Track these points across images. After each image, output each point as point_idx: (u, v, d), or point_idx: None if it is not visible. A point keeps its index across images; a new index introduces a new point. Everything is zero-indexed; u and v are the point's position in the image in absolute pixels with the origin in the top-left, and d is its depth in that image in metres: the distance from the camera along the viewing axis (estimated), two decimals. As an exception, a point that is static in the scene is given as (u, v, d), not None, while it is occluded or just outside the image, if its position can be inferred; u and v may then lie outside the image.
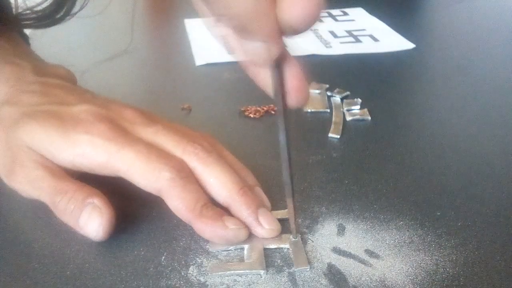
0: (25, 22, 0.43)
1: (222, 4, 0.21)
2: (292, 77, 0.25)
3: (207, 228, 0.29)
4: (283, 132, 0.27)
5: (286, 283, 0.27)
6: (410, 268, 0.28)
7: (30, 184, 0.31)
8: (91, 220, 0.29)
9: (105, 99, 0.35)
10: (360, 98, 0.46)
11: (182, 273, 0.28)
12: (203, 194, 0.30)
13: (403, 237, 0.30)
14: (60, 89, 0.35)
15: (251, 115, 0.44)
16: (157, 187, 0.30)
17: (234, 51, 0.26)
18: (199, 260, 0.29)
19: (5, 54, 0.38)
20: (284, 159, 0.27)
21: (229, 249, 0.29)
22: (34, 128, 0.31)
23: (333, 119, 0.44)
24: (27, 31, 0.45)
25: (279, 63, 0.25)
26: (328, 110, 0.45)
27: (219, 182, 0.31)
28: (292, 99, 0.26)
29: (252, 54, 0.23)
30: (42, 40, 0.63)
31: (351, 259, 0.29)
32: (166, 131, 0.32)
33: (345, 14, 0.73)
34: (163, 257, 0.29)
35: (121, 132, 0.31)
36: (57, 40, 0.65)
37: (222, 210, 0.30)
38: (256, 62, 0.24)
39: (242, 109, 0.45)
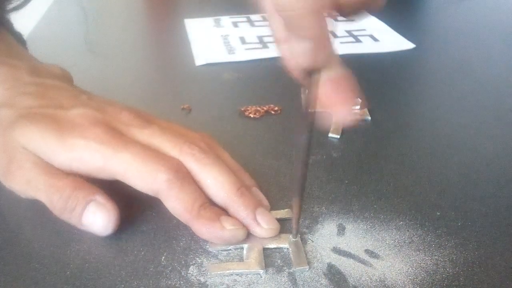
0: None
1: None
2: (334, 89, 0.24)
3: (204, 229, 0.29)
4: (305, 133, 0.26)
5: (286, 283, 0.27)
6: (410, 268, 0.28)
7: (27, 184, 0.31)
8: (98, 217, 0.30)
9: (101, 100, 0.35)
10: (360, 98, 0.46)
11: (182, 273, 0.28)
12: (200, 195, 0.30)
13: (403, 237, 0.30)
14: (56, 91, 0.35)
15: (251, 115, 0.44)
16: (154, 189, 0.30)
17: (280, 47, 0.25)
18: (199, 260, 0.29)
19: (0, 55, 0.38)
20: (300, 160, 0.27)
21: (228, 248, 0.29)
22: (30, 130, 0.31)
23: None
24: (24, 33, 0.45)
25: (321, 73, 0.24)
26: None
27: (216, 183, 0.31)
28: (333, 113, 0.24)
29: (297, 54, 0.23)
30: (40, 41, 0.63)
31: (351, 259, 0.29)
32: (162, 132, 0.32)
33: (345, 14, 0.73)
34: (163, 257, 0.29)
35: (117, 135, 0.31)
36: (56, 40, 0.65)
37: (220, 210, 0.30)
38: (299, 65, 0.24)
39: (242, 109, 0.45)
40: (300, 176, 0.28)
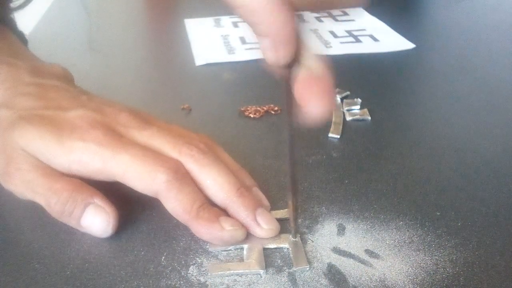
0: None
1: None
2: (306, 82, 0.23)
3: (203, 229, 0.29)
4: (289, 134, 0.26)
5: (286, 283, 0.27)
6: (410, 268, 0.28)
7: (25, 186, 0.31)
8: (97, 220, 0.30)
9: (100, 101, 0.35)
10: (360, 98, 0.46)
11: (182, 273, 0.28)
12: (199, 195, 0.30)
13: (403, 237, 0.30)
14: (56, 92, 0.35)
15: (251, 115, 0.44)
16: (153, 190, 0.30)
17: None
18: (199, 260, 0.29)
19: (1, 54, 0.38)
20: (288, 161, 0.27)
21: (228, 249, 0.29)
22: (29, 132, 0.31)
23: (333, 119, 0.44)
24: (25, 32, 0.45)
25: (293, 66, 0.24)
26: (328, 110, 0.45)
27: (215, 183, 0.31)
28: (307, 108, 0.23)
29: (263, 52, 0.23)
30: (41, 40, 0.63)
31: (351, 259, 0.29)
32: (161, 134, 0.32)
33: (345, 14, 0.73)
34: (163, 257, 0.29)
35: (116, 137, 0.31)
36: (57, 40, 0.65)
37: (220, 210, 0.30)
38: (267, 61, 0.23)
39: (242, 109, 0.45)
40: (290, 176, 0.28)
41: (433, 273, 0.27)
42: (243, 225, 0.30)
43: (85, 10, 0.70)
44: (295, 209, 0.29)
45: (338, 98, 0.47)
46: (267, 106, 0.45)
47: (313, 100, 0.24)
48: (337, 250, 0.29)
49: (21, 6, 0.44)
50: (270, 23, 0.22)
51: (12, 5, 0.43)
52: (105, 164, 0.30)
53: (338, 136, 0.41)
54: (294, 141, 0.26)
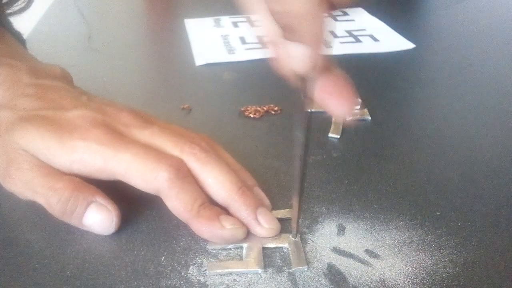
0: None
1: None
2: (331, 90, 0.25)
3: (204, 228, 0.29)
4: (301, 132, 0.26)
5: (286, 283, 0.27)
6: (410, 268, 0.28)
7: (26, 186, 0.31)
8: (100, 218, 0.30)
9: (100, 101, 0.35)
10: (360, 98, 0.46)
11: (182, 273, 0.28)
12: (201, 194, 0.30)
13: (403, 237, 0.30)
14: (55, 92, 0.35)
15: (251, 115, 0.44)
16: (155, 188, 0.30)
17: (274, 51, 0.25)
18: (199, 260, 0.29)
19: (0, 55, 0.38)
20: (297, 158, 0.27)
21: (228, 247, 0.29)
22: (30, 132, 0.31)
23: (333, 119, 0.44)
24: (24, 33, 0.45)
25: (315, 75, 0.24)
26: (328, 110, 0.45)
27: (217, 182, 0.31)
28: (332, 110, 0.25)
29: (292, 58, 0.23)
30: (41, 41, 0.63)
31: (351, 259, 0.29)
32: (163, 133, 0.32)
33: (345, 14, 0.73)
34: (163, 257, 0.29)
35: (117, 136, 0.31)
36: (56, 40, 0.65)
37: (220, 209, 0.30)
38: (294, 68, 0.24)
39: (242, 109, 0.45)
40: (298, 176, 0.28)
41: (433, 273, 0.27)
42: (243, 224, 0.30)
43: (80, 14, 0.70)
44: (299, 209, 0.29)
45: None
46: (267, 106, 0.45)
47: (337, 102, 0.25)
48: (337, 250, 0.29)
49: (20, 10, 0.44)
50: (313, 32, 0.22)
51: (12, 9, 0.43)
52: (107, 162, 0.30)
53: (338, 136, 0.41)
54: (307, 143, 0.26)
